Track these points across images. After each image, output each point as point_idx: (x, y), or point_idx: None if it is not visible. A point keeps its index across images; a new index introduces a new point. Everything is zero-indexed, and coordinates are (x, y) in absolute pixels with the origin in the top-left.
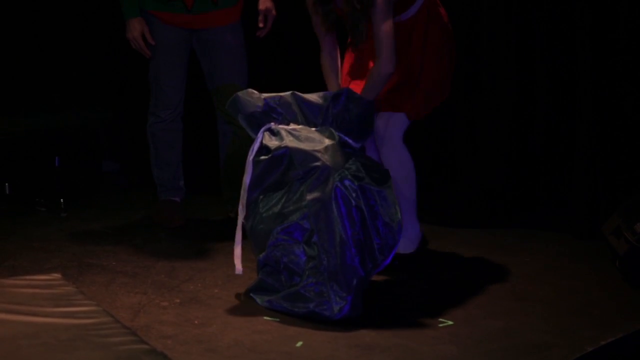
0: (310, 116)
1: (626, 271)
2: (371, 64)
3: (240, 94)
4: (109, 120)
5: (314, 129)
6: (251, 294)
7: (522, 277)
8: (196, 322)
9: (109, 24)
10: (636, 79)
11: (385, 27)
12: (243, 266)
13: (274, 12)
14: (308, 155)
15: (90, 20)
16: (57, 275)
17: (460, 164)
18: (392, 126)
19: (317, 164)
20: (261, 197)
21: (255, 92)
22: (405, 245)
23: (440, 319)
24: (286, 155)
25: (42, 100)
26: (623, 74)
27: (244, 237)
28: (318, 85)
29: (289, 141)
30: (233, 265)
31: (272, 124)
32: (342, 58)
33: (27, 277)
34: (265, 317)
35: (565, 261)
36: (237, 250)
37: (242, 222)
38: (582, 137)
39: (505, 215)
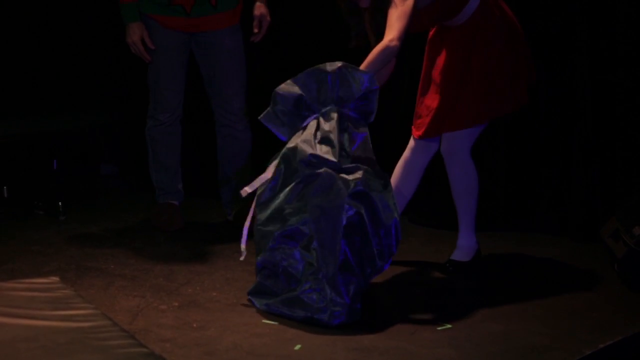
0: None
1: (624, 274)
2: (435, 75)
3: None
4: (108, 124)
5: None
6: (249, 298)
7: (521, 280)
8: (195, 325)
9: (108, 27)
10: (634, 85)
11: (405, 6)
12: (241, 270)
13: (268, 17)
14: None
15: (89, 24)
16: (55, 279)
17: None
18: (456, 140)
19: (320, 171)
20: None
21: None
22: (461, 255)
23: (439, 322)
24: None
25: (40, 103)
26: (621, 79)
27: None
28: None
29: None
30: (231, 269)
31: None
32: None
33: (26, 280)
34: (263, 321)
35: (564, 264)
36: (245, 232)
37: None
38: (580, 140)
39: (503, 218)
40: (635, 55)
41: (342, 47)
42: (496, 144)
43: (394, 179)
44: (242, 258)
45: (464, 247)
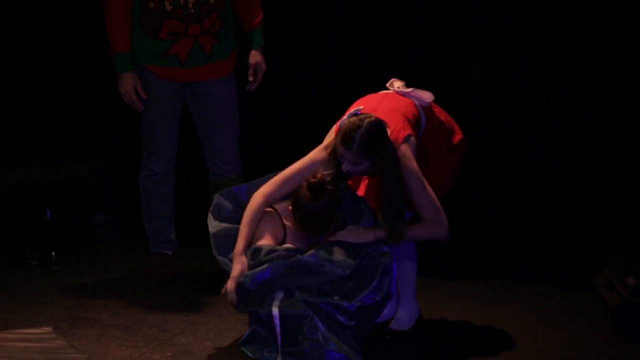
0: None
1: (618, 324)
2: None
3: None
4: (101, 173)
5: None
6: (242, 348)
7: (514, 330)
8: None
9: (101, 77)
10: (627, 137)
11: (427, 191)
12: (235, 320)
13: (263, 66)
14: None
15: (82, 73)
16: (48, 329)
17: (451, 216)
18: None
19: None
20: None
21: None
22: (402, 323)
23: None
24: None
25: (34, 152)
26: (616, 130)
27: None
28: (309, 135)
29: None
30: (225, 318)
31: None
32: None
33: (19, 330)
34: None
35: (558, 314)
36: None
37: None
38: (574, 190)
39: (496, 267)
40: (630, 111)
41: (337, 98)
42: (492, 193)
43: None
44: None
45: (404, 317)
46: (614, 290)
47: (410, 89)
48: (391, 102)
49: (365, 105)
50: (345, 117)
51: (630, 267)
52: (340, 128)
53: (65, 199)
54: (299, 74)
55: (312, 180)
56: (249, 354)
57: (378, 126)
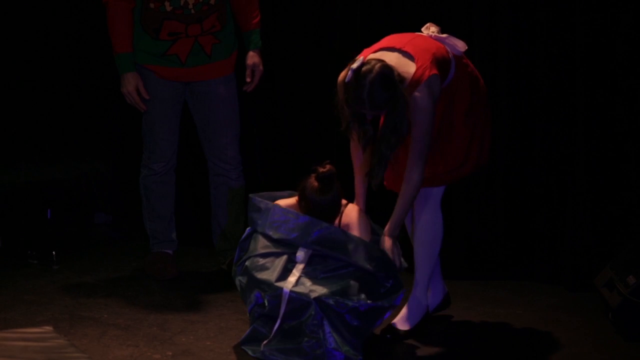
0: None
1: (619, 324)
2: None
3: None
4: (101, 173)
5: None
6: (243, 347)
7: (515, 329)
8: None
9: (102, 76)
10: (628, 137)
11: (425, 142)
12: (235, 319)
13: (261, 67)
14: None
15: (83, 72)
16: (48, 328)
17: (452, 216)
18: (428, 192)
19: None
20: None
21: None
22: (404, 322)
23: None
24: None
25: (35, 152)
26: (616, 130)
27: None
28: (309, 135)
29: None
30: (225, 318)
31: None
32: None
33: (19, 330)
34: None
35: (558, 314)
36: None
37: None
38: (575, 190)
39: (497, 267)
40: (630, 116)
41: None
42: (492, 193)
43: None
44: None
45: (412, 308)
46: (615, 290)
47: (445, 35)
48: (423, 41)
49: (395, 40)
50: (357, 62)
51: (631, 267)
52: (346, 87)
53: (65, 198)
54: (298, 75)
55: (322, 170)
56: (249, 352)
57: (382, 75)
